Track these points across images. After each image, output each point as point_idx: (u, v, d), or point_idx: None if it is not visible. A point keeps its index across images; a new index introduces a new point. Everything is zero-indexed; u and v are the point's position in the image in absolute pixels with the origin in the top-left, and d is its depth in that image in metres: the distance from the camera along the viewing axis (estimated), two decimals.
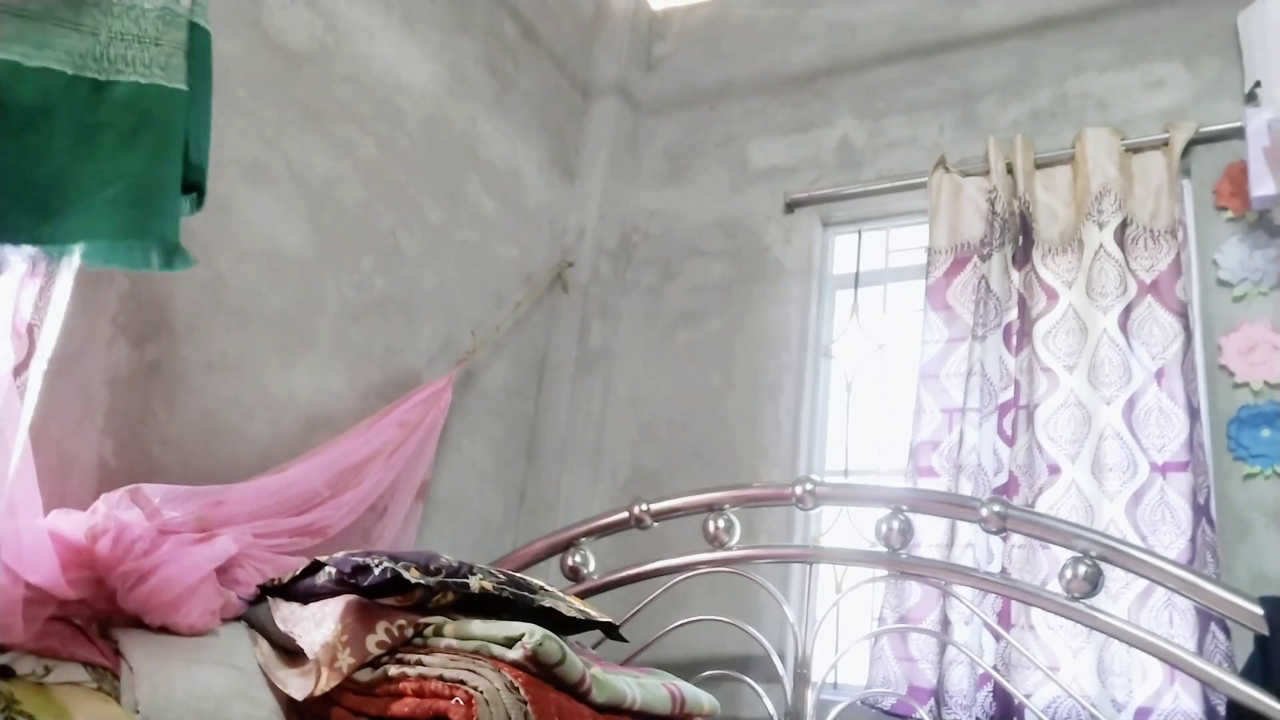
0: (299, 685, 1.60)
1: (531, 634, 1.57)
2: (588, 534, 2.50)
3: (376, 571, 1.60)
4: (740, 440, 3.02)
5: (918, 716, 2.28)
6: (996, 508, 2.11)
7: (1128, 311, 2.55)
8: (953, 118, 3.07)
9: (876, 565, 2.27)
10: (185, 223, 2.05)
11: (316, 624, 1.63)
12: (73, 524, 1.61)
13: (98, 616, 1.61)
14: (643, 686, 1.77)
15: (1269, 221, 2.49)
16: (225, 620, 1.75)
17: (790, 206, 3.23)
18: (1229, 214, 2.56)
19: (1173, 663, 1.89)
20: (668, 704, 1.81)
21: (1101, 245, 2.62)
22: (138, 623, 1.62)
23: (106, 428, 1.89)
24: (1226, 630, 2.16)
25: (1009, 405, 2.58)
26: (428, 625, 1.67)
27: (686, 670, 2.18)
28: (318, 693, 1.56)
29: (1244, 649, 1.91)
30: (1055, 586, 2.12)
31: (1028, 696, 2.22)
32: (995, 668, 2.31)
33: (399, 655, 1.61)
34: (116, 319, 1.92)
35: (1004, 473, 2.52)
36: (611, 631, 1.98)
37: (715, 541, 2.37)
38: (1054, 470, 2.49)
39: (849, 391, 3.05)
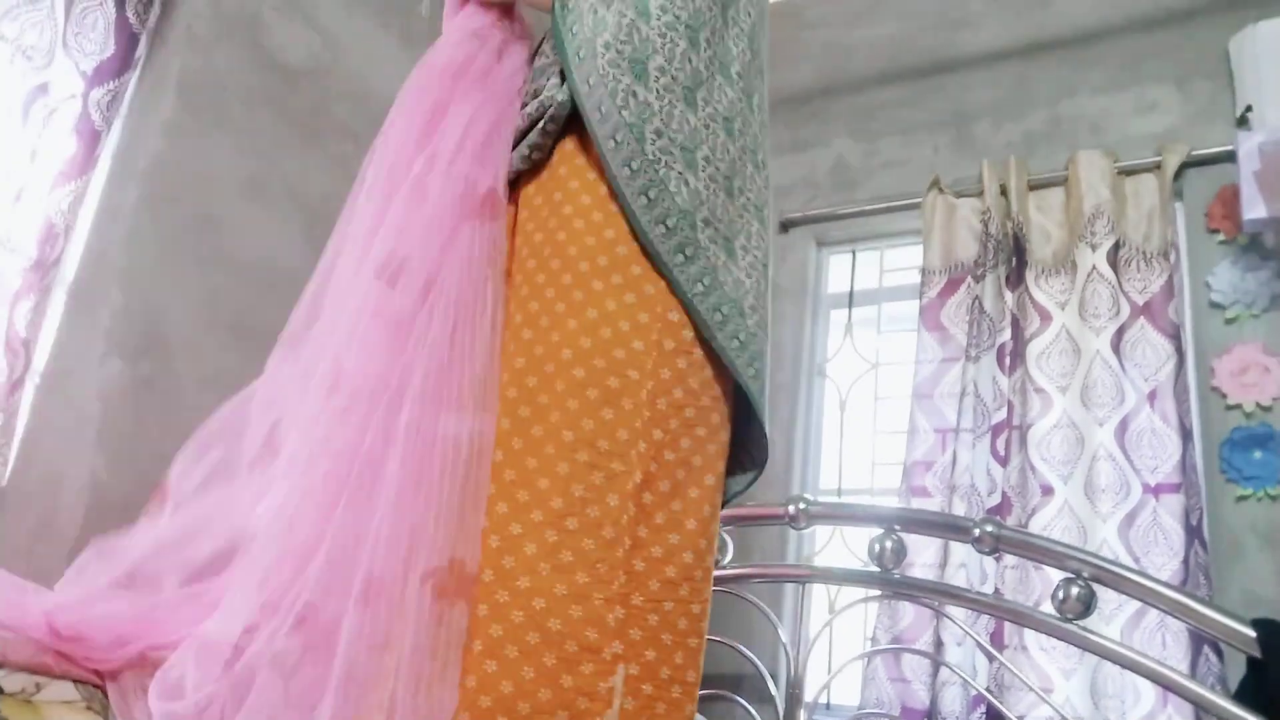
0: None
1: None
2: None
3: None
4: None
5: None
6: (989, 528, 2.10)
7: (1120, 333, 2.56)
8: (947, 139, 3.09)
9: (869, 585, 2.26)
10: (178, 237, 2.07)
11: None
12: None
13: None
14: None
15: (1261, 244, 2.50)
16: None
17: (785, 226, 3.23)
18: (1221, 236, 2.58)
19: (1165, 684, 1.89)
20: None
21: (1094, 267, 2.64)
22: None
23: (99, 444, 1.88)
24: (1219, 652, 2.16)
25: (1002, 426, 2.58)
26: None
27: None
28: None
29: (1236, 671, 1.91)
30: (1048, 607, 2.11)
31: (1020, 718, 2.22)
32: (988, 689, 2.31)
33: None
34: (110, 334, 1.92)
35: (997, 493, 2.52)
36: None
37: None
38: (1047, 491, 2.49)
39: (842, 411, 3.06)
